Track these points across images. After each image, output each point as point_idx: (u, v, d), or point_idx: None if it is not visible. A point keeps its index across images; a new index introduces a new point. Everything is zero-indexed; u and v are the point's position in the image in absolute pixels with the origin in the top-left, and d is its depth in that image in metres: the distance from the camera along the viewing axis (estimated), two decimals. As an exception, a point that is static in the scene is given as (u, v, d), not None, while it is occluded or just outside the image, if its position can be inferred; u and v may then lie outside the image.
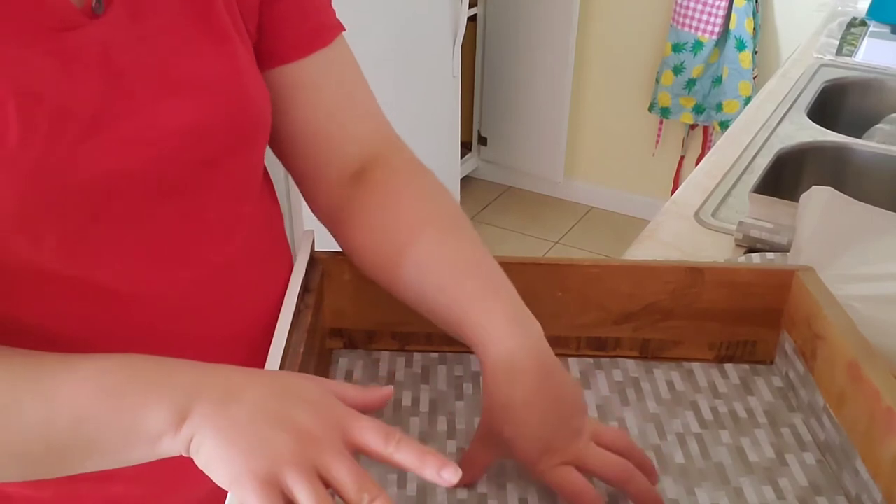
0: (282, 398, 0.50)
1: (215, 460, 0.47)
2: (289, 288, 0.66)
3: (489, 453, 0.61)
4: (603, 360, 0.76)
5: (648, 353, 0.76)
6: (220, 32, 0.60)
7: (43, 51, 0.51)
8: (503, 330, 0.59)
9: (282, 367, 0.59)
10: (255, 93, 0.62)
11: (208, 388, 0.49)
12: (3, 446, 0.49)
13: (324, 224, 0.72)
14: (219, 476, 0.47)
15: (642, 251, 0.99)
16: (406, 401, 0.70)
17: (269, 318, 0.65)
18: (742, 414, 0.70)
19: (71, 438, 0.49)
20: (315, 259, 0.72)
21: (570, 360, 0.75)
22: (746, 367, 0.75)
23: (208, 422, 0.48)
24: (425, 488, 0.62)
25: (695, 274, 0.72)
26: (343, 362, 0.75)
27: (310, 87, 0.67)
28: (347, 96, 0.70)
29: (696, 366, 0.75)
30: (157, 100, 0.56)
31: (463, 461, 0.61)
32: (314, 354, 0.68)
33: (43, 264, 0.54)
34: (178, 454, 0.49)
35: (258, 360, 0.60)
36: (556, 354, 0.75)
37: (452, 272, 0.62)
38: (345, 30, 0.69)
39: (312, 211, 0.73)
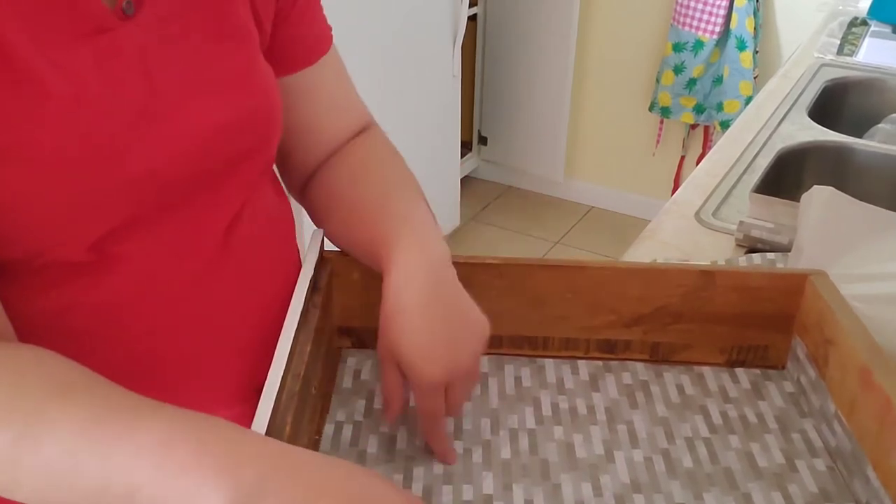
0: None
1: None
2: (297, 287, 0.66)
3: (392, 370, 0.62)
4: (612, 362, 0.75)
5: (658, 356, 0.75)
6: (238, 33, 0.62)
7: (83, 54, 0.52)
8: (406, 249, 0.63)
9: (288, 365, 0.58)
10: (272, 91, 0.65)
11: (279, 482, 0.44)
12: None
13: (293, 196, 0.77)
14: None
15: (643, 251, 0.98)
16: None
17: (280, 314, 0.65)
18: (752, 419, 0.70)
19: None
20: (324, 258, 0.71)
21: (580, 362, 0.75)
22: (757, 371, 0.75)
23: None
24: (431, 489, 0.62)
25: (706, 277, 0.71)
26: (352, 361, 0.75)
27: (310, 90, 0.72)
28: (340, 93, 0.75)
29: (706, 370, 0.75)
30: (187, 99, 0.58)
31: (384, 394, 0.64)
32: (322, 353, 0.68)
33: (76, 257, 0.55)
34: None
35: (266, 357, 0.59)
36: (565, 357, 0.75)
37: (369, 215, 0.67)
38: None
39: (286, 186, 0.77)
